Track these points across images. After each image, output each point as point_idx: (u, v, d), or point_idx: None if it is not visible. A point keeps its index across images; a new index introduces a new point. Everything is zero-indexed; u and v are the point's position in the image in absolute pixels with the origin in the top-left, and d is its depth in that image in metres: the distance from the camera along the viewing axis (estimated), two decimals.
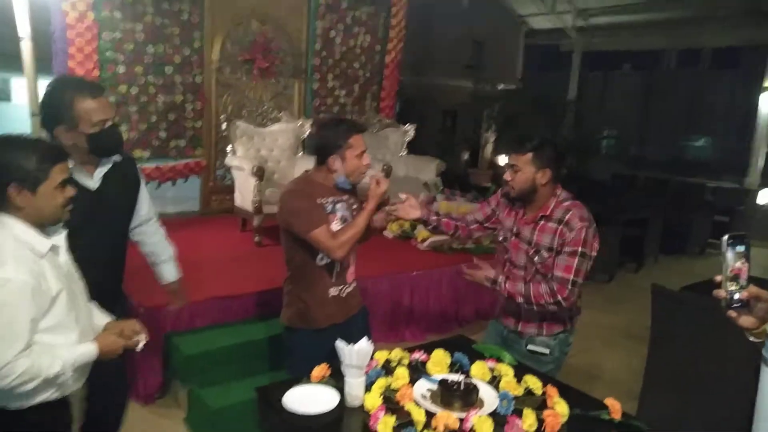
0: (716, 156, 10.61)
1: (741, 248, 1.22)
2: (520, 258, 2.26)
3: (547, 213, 2.19)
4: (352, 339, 1.73)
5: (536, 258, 2.19)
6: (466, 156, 11.45)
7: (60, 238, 1.60)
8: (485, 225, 2.48)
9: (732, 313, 1.25)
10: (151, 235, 2.26)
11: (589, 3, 10.08)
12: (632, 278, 6.21)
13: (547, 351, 2.27)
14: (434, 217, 2.47)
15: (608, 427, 1.69)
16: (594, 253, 2.18)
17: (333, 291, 2.25)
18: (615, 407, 1.72)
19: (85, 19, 4.63)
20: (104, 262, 2.00)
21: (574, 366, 3.94)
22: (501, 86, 10.71)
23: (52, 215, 1.52)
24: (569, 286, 2.12)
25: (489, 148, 11.08)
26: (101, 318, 1.76)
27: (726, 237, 1.22)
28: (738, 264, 1.22)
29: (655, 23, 9.95)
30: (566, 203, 2.20)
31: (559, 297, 2.12)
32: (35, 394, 1.48)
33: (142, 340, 1.72)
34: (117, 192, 2.01)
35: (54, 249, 1.55)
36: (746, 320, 1.26)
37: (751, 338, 1.28)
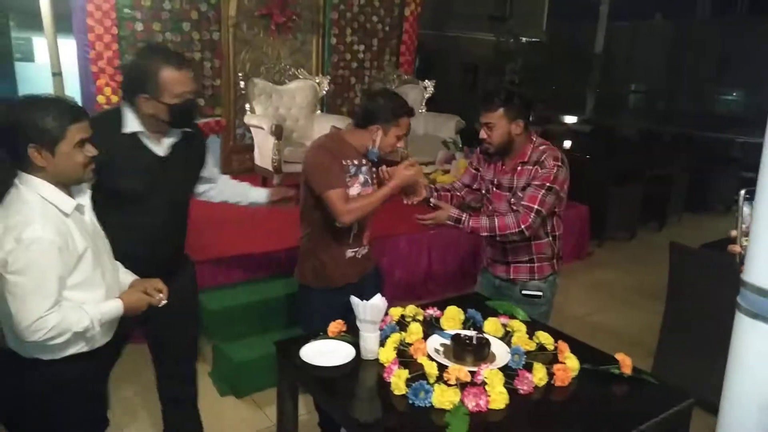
0: (748, 110, 10.23)
1: (746, 209, 1.20)
2: (502, 207, 2.34)
3: (525, 158, 2.28)
4: (366, 297, 1.77)
5: (513, 199, 2.29)
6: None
7: (85, 198, 1.64)
8: (474, 187, 2.52)
9: (740, 269, 1.24)
10: (224, 186, 2.28)
11: None
12: (654, 236, 6.14)
13: (540, 293, 2.40)
14: (434, 195, 2.47)
15: (619, 380, 1.72)
16: (563, 194, 2.30)
17: (350, 252, 2.29)
18: (625, 362, 1.74)
19: None
20: (169, 226, 2.04)
21: (592, 323, 3.98)
22: (524, 39, 10.40)
23: (74, 174, 1.55)
24: (533, 215, 2.21)
25: None
26: (126, 276, 1.82)
27: (743, 192, 1.20)
28: None
29: None
30: (542, 147, 2.29)
31: (522, 226, 2.21)
32: (66, 347, 1.55)
33: (164, 299, 1.76)
34: (183, 161, 2.01)
35: (79, 208, 1.59)
36: None
37: None
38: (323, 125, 5.12)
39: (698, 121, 10.01)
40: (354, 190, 2.20)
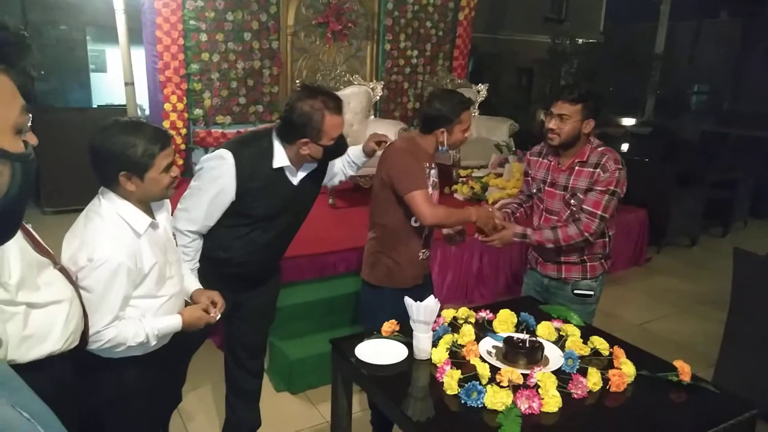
0: None
1: None
2: (555, 205, 2.37)
3: (584, 159, 2.30)
4: (425, 297, 1.82)
5: (573, 201, 2.31)
6: (542, 116, 11.08)
7: (162, 214, 1.74)
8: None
9: None
10: (346, 162, 2.37)
11: None
12: (718, 243, 5.91)
13: (591, 293, 2.43)
14: (512, 217, 2.55)
15: (677, 388, 1.69)
16: (623, 195, 2.31)
17: (422, 254, 2.37)
18: (684, 369, 1.71)
19: None
20: (283, 239, 2.26)
21: (650, 331, 3.88)
22: (581, 40, 10.19)
23: (158, 195, 1.66)
24: (597, 221, 2.26)
25: None
26: (192, 282, 1.92)
27: None
28: None
29: None
30: (600, 149, 2.31)
31: (587, 234, 2.27)
32: (121, 353, 1.64)
33: (218, 315, 1.84)
34: (309, 189, 2.19)
35: (153, 225, 1.67)
36: None
37: None
38: (377, 130, 5.19)
39: (764, 123, 9.52)
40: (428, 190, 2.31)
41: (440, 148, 2.31)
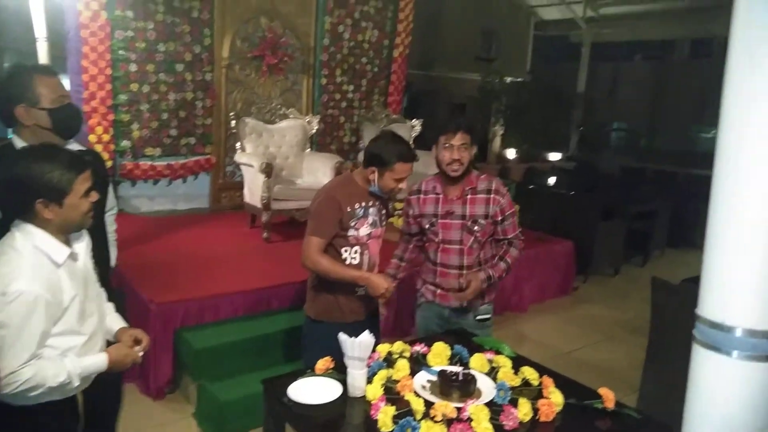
0: None
1: None
2: (454, 234, 2.43)
3: (474, 185, 2.43)
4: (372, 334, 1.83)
5: (476, 227, 2.41)
6: (474, 150, 11.44)
7: (81, 244, 1.65)
8: (414, 233, 2.60)
9: None
10: (110, 225, 2.30)
11: None
12: (638, 272, 6.23)
13: (489, 316, 2.55)
14: (400, 274, 2.63)
15: (602, 415, 1.75)
16: None
17: (359, 290, 2.36)
18: (608, 396, 1.78)
19: (99, 18, 4.72)
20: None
21: (578, 359, 4.00)
22: (509, 79, 10.69)
23: (78, 222, 1.58)
24: (522, 238, 2.53)
25: (497, 142, 11.07)
26: (115, 322, 1.81)
27: None
28: None
29: (666, 12, 9.87)
30: (482, 176, 2.48)
31: (523, 250, 2.53)
32: (39, 397, 1.51)
33: (141, 351, 1.75)
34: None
35: (73, 255, 1.58)
36: None
37: None
38: (312, 163, 5.22)
39: (679, 158, 10.27)
40: (363, 230, 2.33)
41: (371, 187, 2.33)
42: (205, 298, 3.26)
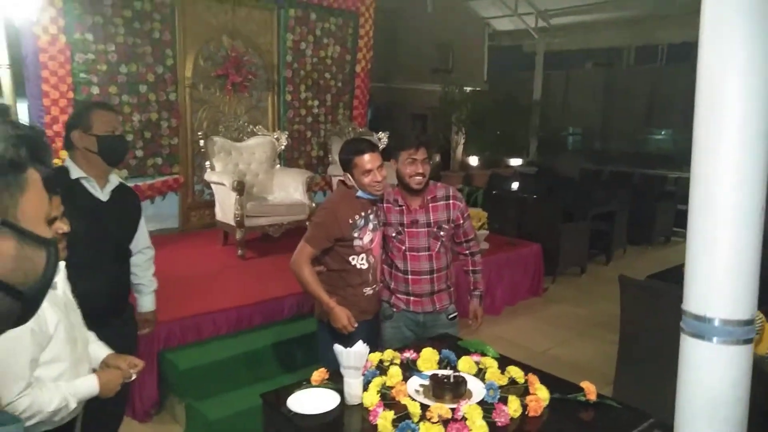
0: (676, 147, 11.02)
1: None
2: (421, 242, 2.56)
3: (434, 195, 2.59)
4: (377, 334, 1.90)
5: (441, 232, 2.57)
6: (437, 159, 11.67)
7: (58, 278, 1.64)
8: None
9: None
10: (143, 269, 2.41)
11: (550, 4, 10.41)
12: (603, 270, 6.47)
13: (456, 313, 2.69)
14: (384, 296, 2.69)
15: (585, 407, 1.87)
16: None
17: (368, 290, 2.49)
18: (590, 389, 1.90)
19: (57, 42, 4.66)
20: (110, 272, 2.17)
21: (554, 356, 4.15)
22: (468, 89, 10.95)
23: None
24: (476, 238, 2.77)
25: (460, 150, 11.31)
26: (100, 349, 1.81)
27: None
28: None
29: (613, 21, 10.35)
30: (438, 184, 2.66)
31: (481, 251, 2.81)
32: (38, 426, 1.51)
33: (135, 374, 1.77)
34: (122, 209, 2.22)
35: (51, 284, 1.60)
36: None
37: None
38: (283, 179, 5.25)
39: (633, 160, 10.70)
40: (366, 237, 2.45)
41: (357, 192, 2.45)
42: (187, 318, 3.26)
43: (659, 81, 11.15)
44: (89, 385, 1.62)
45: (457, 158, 11.34)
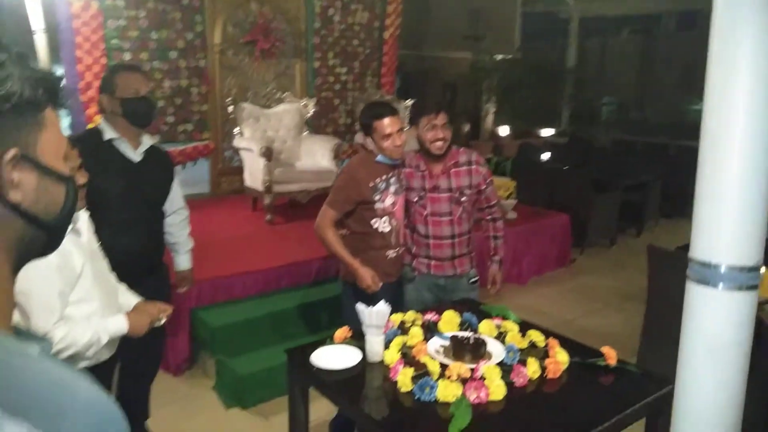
0: None
1: None
2: (443, 207, 2.57)
3: (457, 160, 2.58)
4: (400, 297, 1.94)
5: (463, 198, 2.57)
6: (467, 128, 11.53)
7: (80, 222, 1.74)
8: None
9: None
10: (178, 228, 2.48)
11: None
12: (633, 242, 6.36)
13: (478, 277, 2.71)
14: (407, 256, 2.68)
15: (605, 371, 1.87)
16: None
17: (391, 253, 2.52)
18: (610, 354, 1.90)
19: (90, 8, 4.72)
20: (143, 231, 2.25)
21: (580, 326, 4.14)
22: (499, 56, 10.72)
23: None
24: (499, 204, 2.79)
25: (489, 120, 11.15)
26: (130, 298, 1.90)
27: None
28: None
29: None
30: (461, 149, 2.64)
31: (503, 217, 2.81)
32: (71, 361, 1.61)
33: (164, 318, 1.86)
34: (155, 170, 2.28)
35: (75, 231, 1.69)
36: None
37: None
38: (311, 146, 5.28)
39: (668, 130, 10.38)
40: (388, 200, 2.47)
41: (377, 158, 2.46)
42: (218, 278, 3.36)
43: (700, 49, 10.68)
44: (118, 323, 1.70)
45: (486, 127, 11.19)
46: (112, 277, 1.86)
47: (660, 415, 1.75)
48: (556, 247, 5.39)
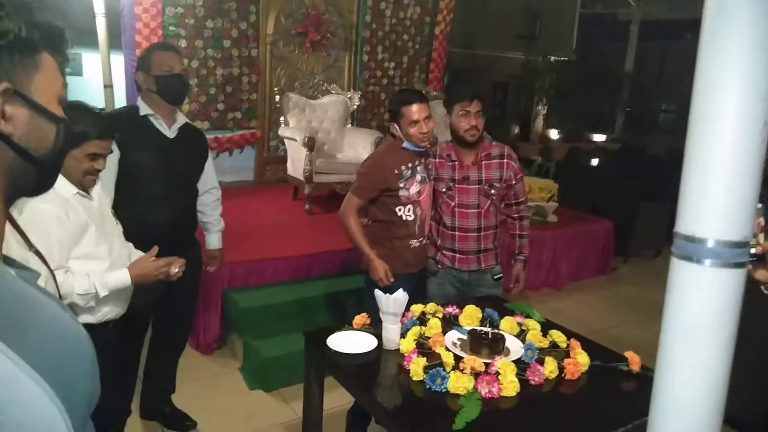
0: None
1: (758, 205, 1.31)
2: (471, 198, 2.55)
3: (489, 152, 2.56)
4: (422, 289, 1.94)
5: (492, 191, 2.55)
6: (516, 129, 11.35)
7: (95, 193, 1.80)
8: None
9: (747, 267, 1.35)
10: (211, 208, 2.54)
11: None
12: None
13: (501, 274, 2.68)
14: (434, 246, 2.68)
15: (627, 377, 1.81)
16: None
17: (414, 242, 2.51)
18: (634, 359, 1.84)
19: None
20: (177, 206, 2.32)
21: (613, 335, 4.02)
22: (554, 58, 10.49)
23: (76, 179, 1.70)
24: (528, 202, 2.77)
25: (540, 122, 10.93)
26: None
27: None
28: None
29: None
30: (494, 143, 2.61)
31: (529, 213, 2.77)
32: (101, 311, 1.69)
33: (177, 269, 1.86)
34: (189, 147, 2.34)
35: (86, 195, 1.75)
36: (761, 274, 1.36)
37: (765, 291, 1.38)
38: (353, 138, 5.32)
39: None
40: (413, 189, 2.46)
41: (404, 144, 2.45)
42: (251, 262, 3.44)
43: None
44: (119, 276, 1.74)
45: (536, 130, 10.98)
46: (121, 239, 1.90)
47: None
48: (597, 254, 5.25)
